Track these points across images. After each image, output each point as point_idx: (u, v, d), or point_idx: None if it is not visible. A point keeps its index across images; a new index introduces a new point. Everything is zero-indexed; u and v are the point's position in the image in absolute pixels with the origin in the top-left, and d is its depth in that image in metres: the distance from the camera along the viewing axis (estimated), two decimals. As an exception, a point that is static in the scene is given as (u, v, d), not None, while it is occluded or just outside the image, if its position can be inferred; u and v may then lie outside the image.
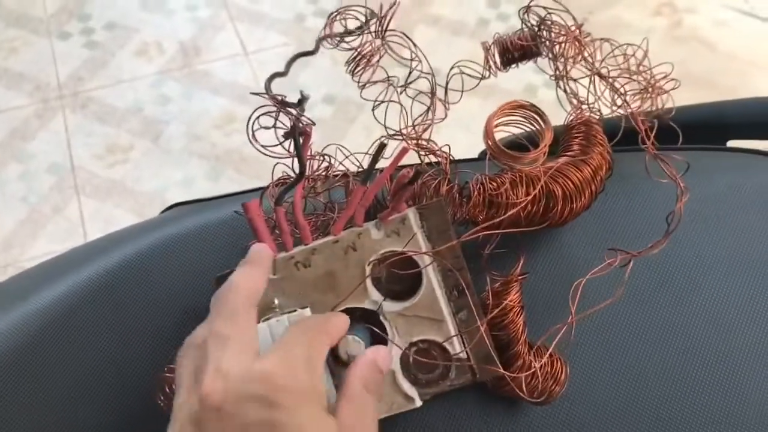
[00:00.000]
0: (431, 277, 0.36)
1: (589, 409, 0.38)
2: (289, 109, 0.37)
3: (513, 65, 0.43)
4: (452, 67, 0.41)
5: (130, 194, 1.28)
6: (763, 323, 0.39)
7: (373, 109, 0.39)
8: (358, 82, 0.39)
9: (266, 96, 0.37)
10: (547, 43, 0.41)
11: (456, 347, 0.37)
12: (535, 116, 0.36)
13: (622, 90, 0.39)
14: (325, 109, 1.38)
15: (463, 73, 0.41)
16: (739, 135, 0.52)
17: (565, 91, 0.42)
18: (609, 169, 0.39)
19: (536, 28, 0.41)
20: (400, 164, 0.36)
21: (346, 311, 0.37)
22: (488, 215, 0.37)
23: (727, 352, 0.38)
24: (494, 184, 0.37)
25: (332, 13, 0.38)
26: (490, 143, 0.36)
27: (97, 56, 1.45)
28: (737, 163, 0.47)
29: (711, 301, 0.39)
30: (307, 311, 0.36)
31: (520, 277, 0.36)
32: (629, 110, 0.37)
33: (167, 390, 0.37)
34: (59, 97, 1.39)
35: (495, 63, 0.43)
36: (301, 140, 0.37)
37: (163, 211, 0.51)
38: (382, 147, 0.36)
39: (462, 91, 0.41)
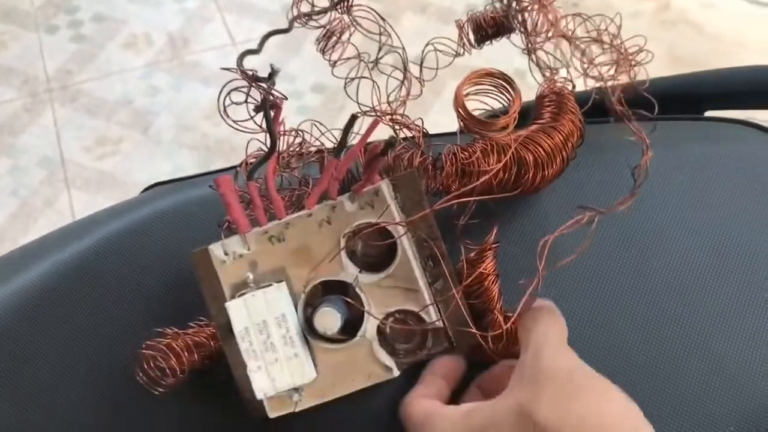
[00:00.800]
0: (406, 247, 0.37)
1: None
2: (260, 84, 0.37)
3: (487, 42, 0.44)
4: (427, 44, 0.41)
5: (120, 186, 1.28)
6: (727, 280, 0.39)
7: (345, 87, 0.39)
8: (329, 60, 0.39)
9: (235, 71, 0.37)
10: (518, 16, 0.41)
11: (432, 316, 0.37)
12: (504, 84, 0.36)
13: (592, 59, 0.39)
14: (315, 98, 1.38)
15: (437, 50, 0.41)
16: (715, 105, 0.52)
17: (537, 64, 0.42)
18: (581, 137, 0.40)
19: (507, 3, 0.41)
20: (375, 140, 0.37)
21: (322, 284, 0.37)
22: (461, 184, 0.37)
23: (690, 308, 0.39)
24: (466, 153, 0.37)
25: None
26: (461, 110, 0.36)
27: (86, 49, 1.45)
28: (713, 131, 0.48)
29: (677, 259, 0.40)
30: (283, 285, 0.37)
31: (493, 246, 0.37)
32: (598, 76, 0.38)
33: (145, 366, 0.37)
34: (48, 90, 1.39)
35: (469, 40, 0.43)
36: (272, 114, 0.37)
37: (143, 191, 0.51)
38: (353, 119, 0.36)
39: (437, 69, 0.41)
